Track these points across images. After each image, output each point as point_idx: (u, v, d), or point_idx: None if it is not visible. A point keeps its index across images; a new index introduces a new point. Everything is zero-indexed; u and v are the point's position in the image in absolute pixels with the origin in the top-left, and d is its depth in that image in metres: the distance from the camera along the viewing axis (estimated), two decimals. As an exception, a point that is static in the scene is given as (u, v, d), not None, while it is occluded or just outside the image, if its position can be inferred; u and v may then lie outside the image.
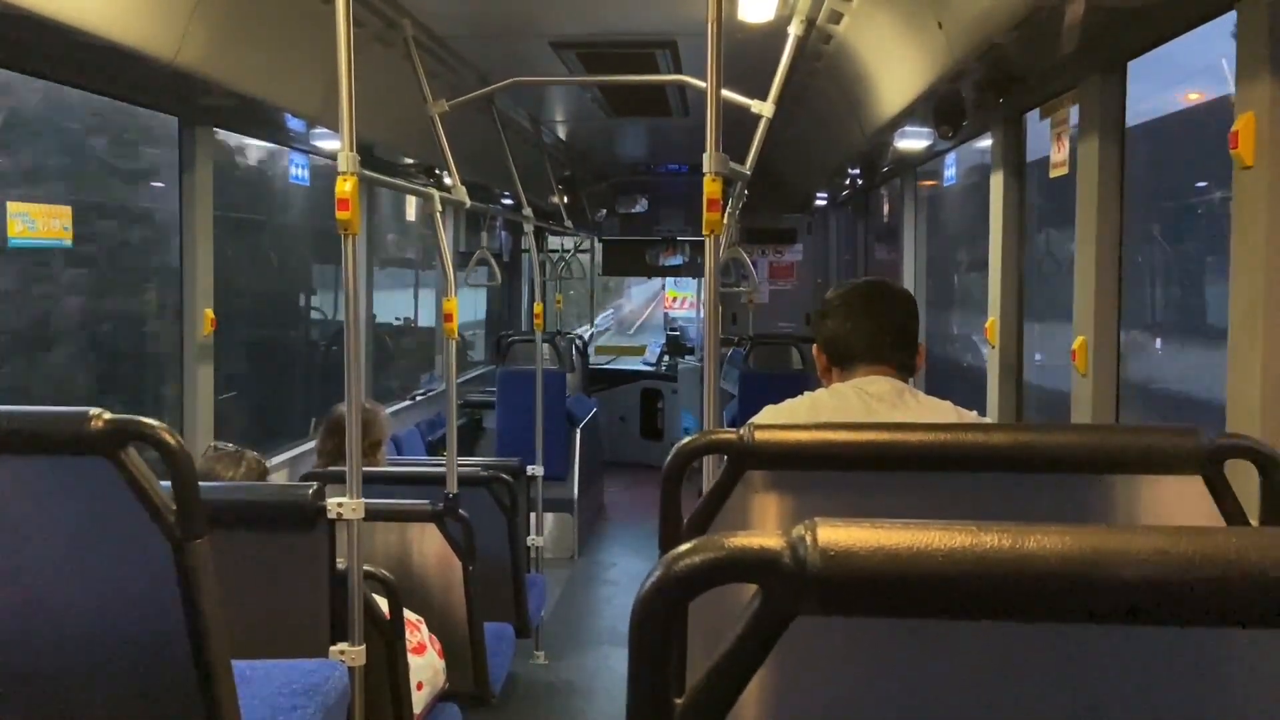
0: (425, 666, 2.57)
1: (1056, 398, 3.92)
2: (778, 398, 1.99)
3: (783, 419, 1.90)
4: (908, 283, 5.17)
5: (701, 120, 2.00)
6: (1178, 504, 1.17)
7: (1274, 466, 1.14)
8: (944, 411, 1.90)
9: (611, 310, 18.01)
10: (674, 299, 11.03)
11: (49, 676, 1.48)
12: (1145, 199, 4.38)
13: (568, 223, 6.97)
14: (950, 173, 4.86)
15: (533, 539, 4.65)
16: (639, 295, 20.66)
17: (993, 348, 3.40)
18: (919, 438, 1.21)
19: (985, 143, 3.64)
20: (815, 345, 2.10)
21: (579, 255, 9.35)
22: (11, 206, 2.69)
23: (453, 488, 3.10)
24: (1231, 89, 1.90)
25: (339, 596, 2.16)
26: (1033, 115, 3.18)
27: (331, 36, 2.13)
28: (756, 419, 1.84)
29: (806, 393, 2.02)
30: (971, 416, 1.96)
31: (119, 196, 4.17)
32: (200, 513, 1.36)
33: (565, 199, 6.88)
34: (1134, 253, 4.20)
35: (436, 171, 4.90)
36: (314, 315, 5.98)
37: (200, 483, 1.37)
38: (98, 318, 4.03)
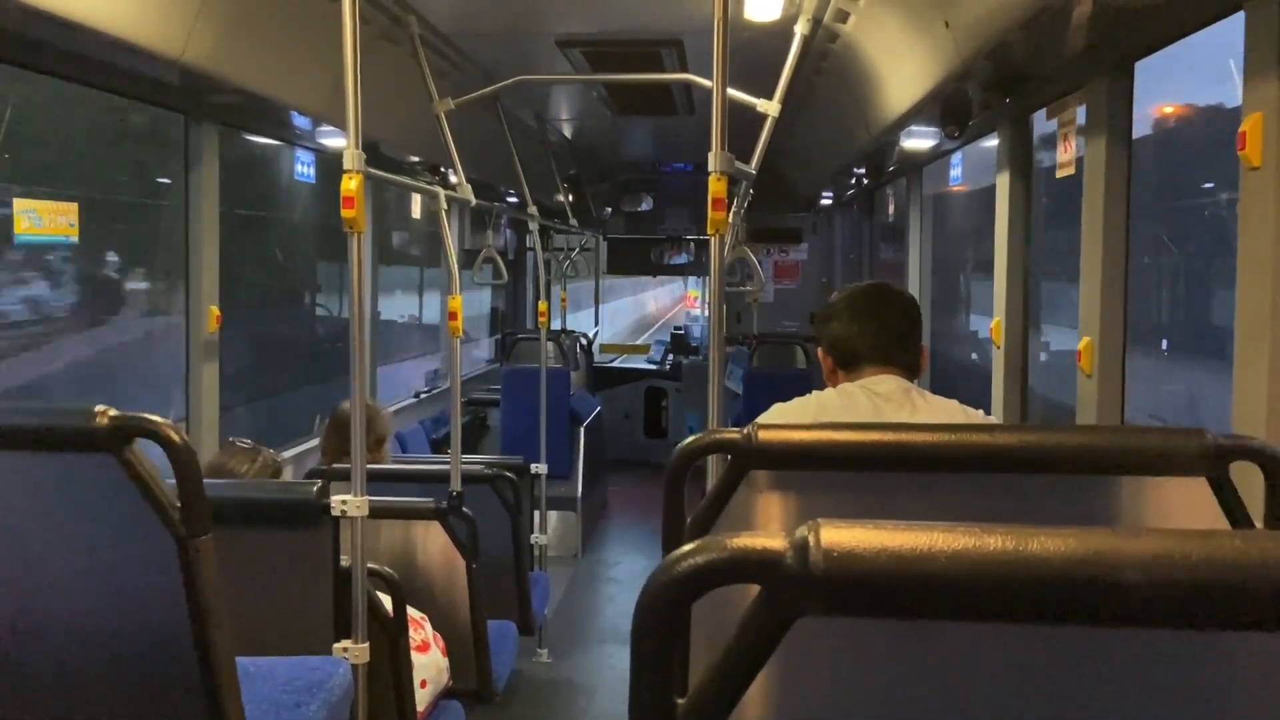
0: (429, 664, 2.58)
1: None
2: (782, 397, 1.99)
3: (791, 417, 1.90)
4: (913, 283, 5.16)
5: (707, 119, 2.00)
6: (1182, 506, 1.17)
7: (1279, 468, 1.14)
8: (951, 411, 1.90)
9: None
10: (695, 298, 10.97)
11: (54, 672, 1.48)
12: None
13: (572, 221, 6.97)
14: (955, 173, 4.85)
15: (536, 537, 4.64)
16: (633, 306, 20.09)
17: (998, 348, 3.39)
18: (923, 438, 1.20)
19: (991, 142, 3.63)
20: (820, 349, 2.10)
21: (584, 253, 9.35)
22: (18, 203, 2.69)
23: (457, 485, 3.10)
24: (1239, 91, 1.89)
25: (343, 594, 2.16)
26: (1039, 115, 3.18)
27: (338, 34, 2.13)
28: (764, 417, 1.84)
29: (814, 392, 2.02)
30: (979, 416, 1.95)
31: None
32: (205, 510, 1.36)
33: (570, 197, 6.88)
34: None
35: (442, 169, 4.90)
36: (319, 312, 5.98)
37: (205, 479, 1.38)
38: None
